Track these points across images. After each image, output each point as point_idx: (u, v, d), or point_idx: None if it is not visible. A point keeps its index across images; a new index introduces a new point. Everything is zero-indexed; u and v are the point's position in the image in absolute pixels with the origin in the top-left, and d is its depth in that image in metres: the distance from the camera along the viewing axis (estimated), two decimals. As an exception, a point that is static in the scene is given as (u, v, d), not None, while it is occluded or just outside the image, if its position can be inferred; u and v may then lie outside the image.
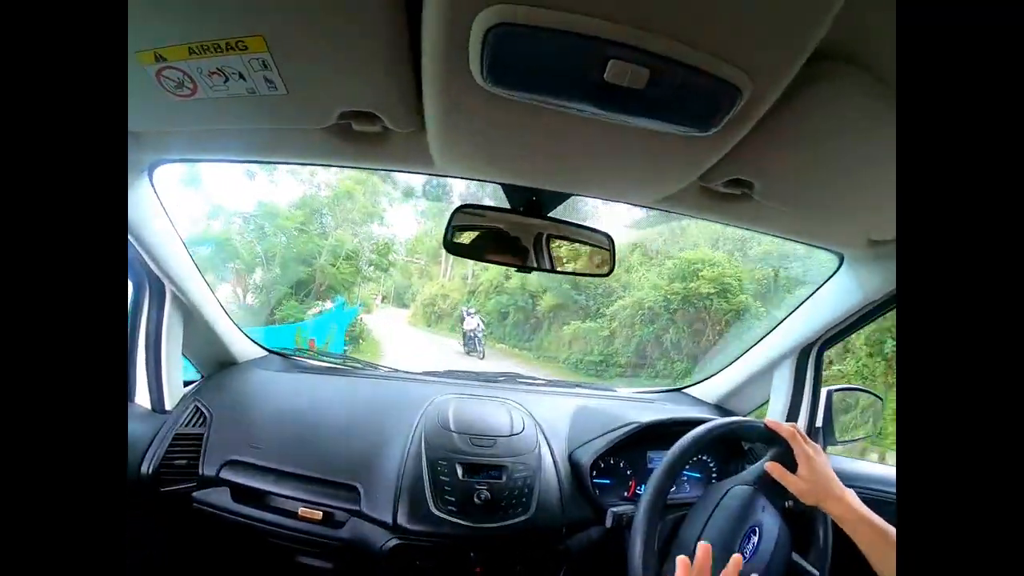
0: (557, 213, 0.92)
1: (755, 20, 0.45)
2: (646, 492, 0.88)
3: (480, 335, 11.38)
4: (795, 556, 0.93)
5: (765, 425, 0.92)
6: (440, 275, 20.02)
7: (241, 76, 0.62)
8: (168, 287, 1.12)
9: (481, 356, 10.98)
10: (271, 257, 11.65)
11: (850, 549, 0.81)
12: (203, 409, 1.17)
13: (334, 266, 12.55)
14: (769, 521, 0.89)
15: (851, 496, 0.82)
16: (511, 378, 1.52)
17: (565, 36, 0.46)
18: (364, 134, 0.75)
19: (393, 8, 0.52)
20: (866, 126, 0.63)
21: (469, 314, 12.25)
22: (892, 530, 0.78)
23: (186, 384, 1.27)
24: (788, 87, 0.54)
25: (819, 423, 1.39)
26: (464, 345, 11.75)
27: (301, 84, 0.63)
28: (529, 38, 0.46)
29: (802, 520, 0.93)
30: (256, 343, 1.42)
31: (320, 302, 12.01)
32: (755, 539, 0.87)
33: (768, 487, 0.91)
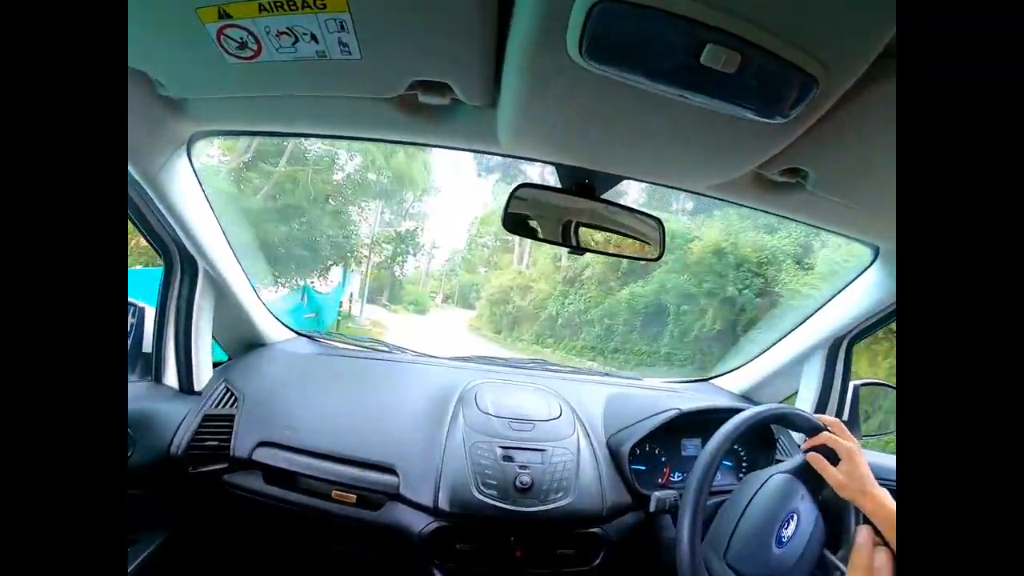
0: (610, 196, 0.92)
1: (835, 14, 0.47)
2: (694, 474, 0.88)
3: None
4: (825, 552, 0.93)
5: (808, 418, 0.92)
6: (514, 262, 16.75)
7: (313, 37, 0.59)
8: (201, 264, 1.10)
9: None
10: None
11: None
12: (233, 390, 1.16)
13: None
14: (806, 509, 0.89)
15: (885, 494, 0.83)
16: (540, 364, 1.52)
17: (667, 16, 0.47)
18: (430, 107, 0.73)
19: None
20: None
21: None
22: None
23: (214, 365, 1.25)
24: (856, 82, 0.56)
25: (846, 416, 1.40)
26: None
27: (378, 49, 0.61)
28: (632, 16, 0.47)
29: (834, 514, 0.93)
30: (285, 325, 1.40)
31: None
32: (793, 525, 0.87)
33: (807, 477, 0.91)
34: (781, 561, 0.84)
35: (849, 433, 0.91)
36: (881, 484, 1.23)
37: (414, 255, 19.76)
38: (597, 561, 1.04)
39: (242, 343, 1.32)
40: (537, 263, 14.35)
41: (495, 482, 0.99)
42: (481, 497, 0.97)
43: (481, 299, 16.71)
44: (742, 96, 0.56)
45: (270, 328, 1.35)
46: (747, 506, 0.91)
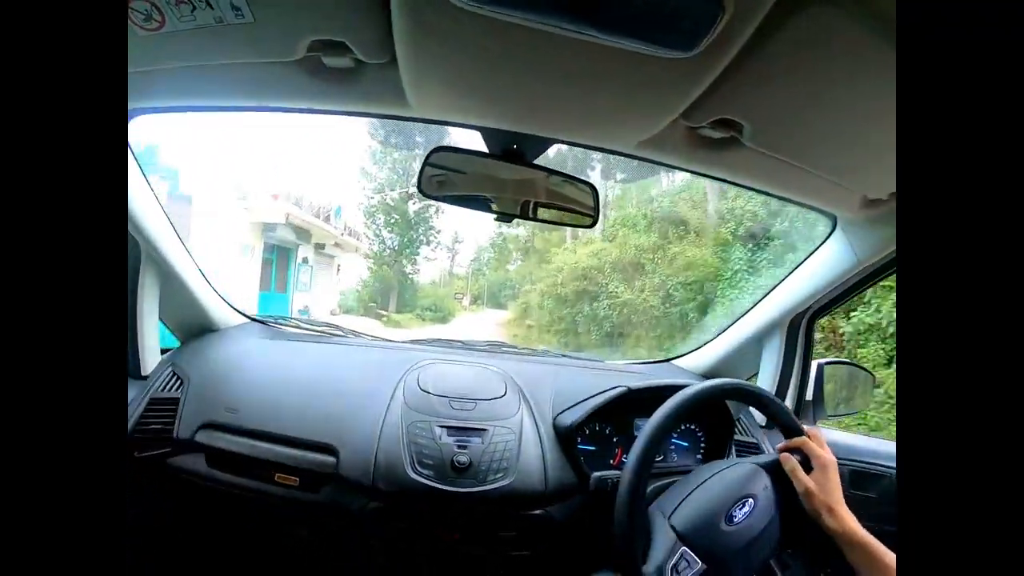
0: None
1: None
2: (634, 450, 0.85)
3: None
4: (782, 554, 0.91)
5: (792, 417, 0.90)
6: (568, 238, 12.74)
7: (208, 4, 0.60)
8: (142, 246, 1.08)
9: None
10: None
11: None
12: (179, 373, 1.14)
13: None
14: (765, 499, 0.86)
15: (852, 518, 0.81)
16: (496, 346, 1.50)
17: None
18: (336, 70, 0.73)
19: None
20: (861, 65, 0.60)
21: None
22: (891, 556, 0.75)
23: (164, 351, 1.23)
24: (775, 13, 0.52)
25: (809, 396, 1.38)
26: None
27: (269, 10, 0.62)
28: None
29: (792, 522, 0.89)
30: (236, 310, 1.38)
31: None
32: (747, 508, 0.85)
33: (776, 475, 0.88)
34: (728, 539, 0.81)
35: (827, 446, 0.88)
36: (845, 463, 1.22)
37: (428, 244, 18.32)
38: (541, 545, 1.02)
39: (192, 328, 1.30)
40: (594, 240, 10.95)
41: (431, 461, 0.96)
42: (416, 476, 0.95)
43: (531, 292, 13.66)
44: (635, 25, 0.52)
45: (221, 313, 1.33)
46: (706, 480, 0.89)
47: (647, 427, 0.88)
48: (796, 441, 0.89)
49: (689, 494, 0.88)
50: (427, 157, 0.83)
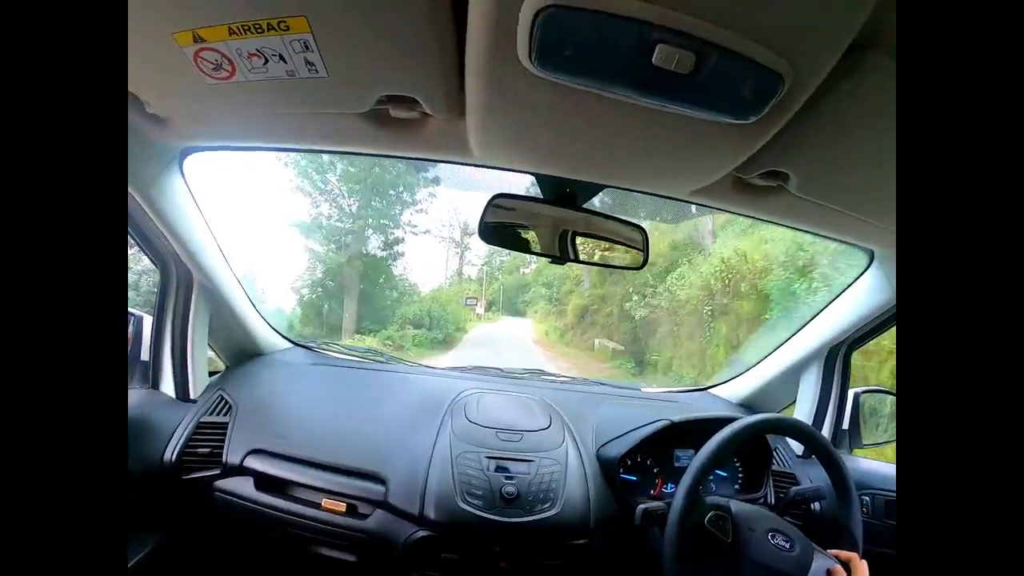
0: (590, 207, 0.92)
1: (797, 6, 0.46)
2: (683, 483, 0.88)
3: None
4: None
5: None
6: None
7: (281, 58, 0.61)
8: (196, 276, 1.13)
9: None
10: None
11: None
12: (228, 398, 1.17)
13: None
14: (802, 550, 0.87)
15: None
16: (535, 374, 1.51)
17: (614, 19, 0.46)
18: (402, 120, 0.75)
19: None
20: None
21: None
22: None
23: (211, 375, 1.27)
24: (828, 77, 0.54)
25: (845, 425, 1.37)
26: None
27: (343, 67, 0.63)
28: (578, 21, 0.47)
29: None
30: (282, 335, 1.42)
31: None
32: (784, 544, 0.87)
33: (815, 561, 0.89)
34: (761, 545, 0.86)
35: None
36: (881, 493, 1.21)
37: (406, 209, 12.07)
38: (585, 574, 1.03)
39: (239, 353, 1.34)
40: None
41: (480, 492, 0.98)
42: (466, 507, 0.96)
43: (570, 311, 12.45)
44: (703, 97, 0.55)
45: (266, 338, 1.37)
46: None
47: (696, 461, 0.90)
48: (847, 555, 0.89)
49: (752, 506, 0.94)
50: (489, 202, 0.86)
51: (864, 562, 0.89)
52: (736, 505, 0.92)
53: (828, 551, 0.90)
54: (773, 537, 0.87)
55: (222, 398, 1.18)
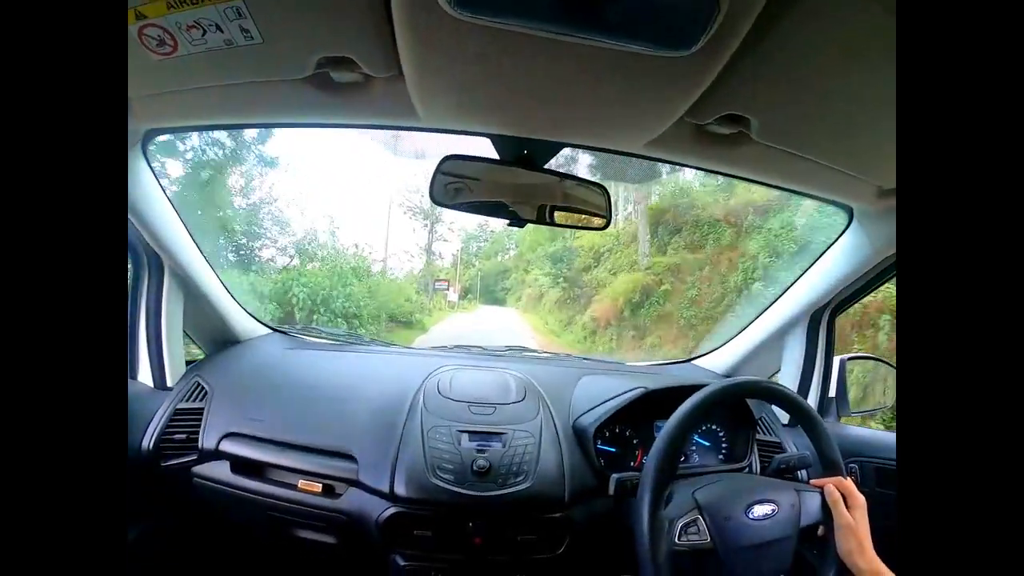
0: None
1: None
2: (653, 450, 0.86)
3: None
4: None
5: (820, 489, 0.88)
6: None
7: (218, 28, 0.63)
8: (166, 262, 1.12)
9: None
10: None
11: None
12: (203, 384, 1.17)
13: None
14: (788, 513, 0.85)
15: (878, 559, 0.80)
16: (517, 351, 1.50)
17: None
18: (345, 84, 0.74)
19: None
20: (864, 47, 0.59)
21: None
22: None
23: (189, 363, 1.26)
24: (771, 5, 0.52)
25: (832, 393, 1.35)
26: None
27: (277, 31, 0.64)
28: None
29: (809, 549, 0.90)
30: (260, 321, 1.41)
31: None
32: (768, 511, 0.84)
33: (805, 501, 0.87)
34: (741, 529, 0.81)
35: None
36: (870, 461, 1.19)
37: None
38: (562, 548, 1.02)
39: (216, 341, 1.33)
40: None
41: (451, 466, 0.97)
42: (436, 481, 0.95)
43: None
44: (632, 26, 0.53)
45: (243, 324, 1.36)
46: (738, 475, 0.96)
47: (666, 428, 0.88)
48: (835, 480, 0.88)
49: (718, 481, 0.89)
50: (439, 165, 0.84)
51: (849, 480, 0.88)
52: (703, 493, 0.86)
53: (811, 482, 0.88)
54: (752, 512, 0.83)
55: (198, 384, 1.17)
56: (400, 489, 0.96)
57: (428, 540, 0.98)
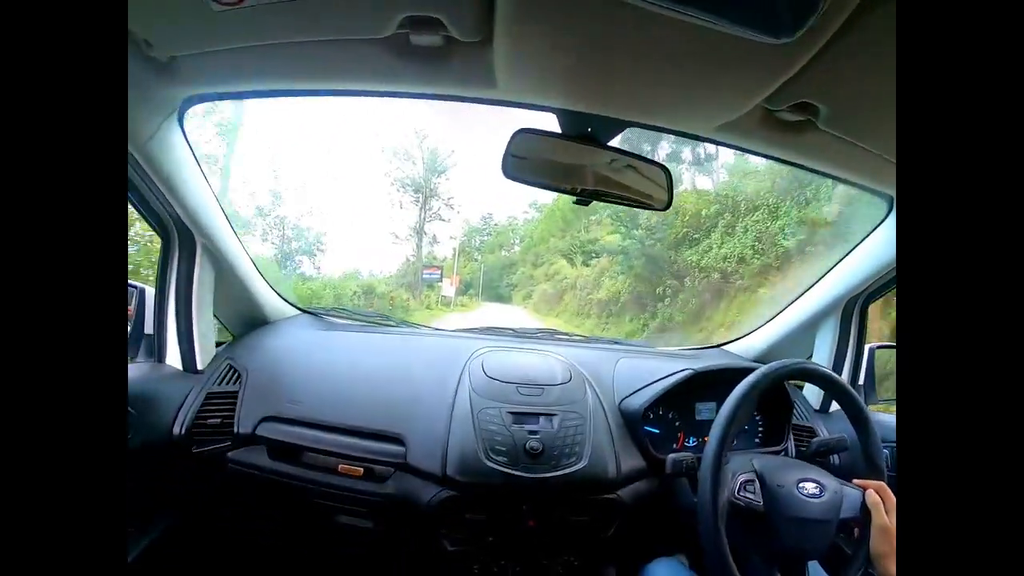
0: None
1: None
2: (715, 429, 0.86)
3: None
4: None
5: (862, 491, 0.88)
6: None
7: None
8: (199, 240, 1.08)
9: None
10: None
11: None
12: (236, 367, 1.14)
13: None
14: (831, 500, 0.85)
15: None
16: (549, 334, 1.49)
17: None
18: (421, 48, 0.70)
19: None
20: None
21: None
22: None
23: (217, 345, 1.23)
24: (861, 2, 0.52)
25: (861, 381, 1.37)
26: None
27: None
28: None
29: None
30: (289, 302, 1.38)
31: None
32: (816, 491, 0.85)
33: (847, 499, 0.88)
34: (791, 501, 0.84)
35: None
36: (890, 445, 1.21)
37: None
38: (612, 530, 1.02)
39: (246, 322, 1.30)
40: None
41: (504, 448, 0.96)
42: (490, 464, 0.94)
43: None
44: (737, 10, 0.52)
45: (274, 305, 1.33)
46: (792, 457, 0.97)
47: (725, 407, 0.88)
48: (876, 484, 0.88)
49: (776, 457, 0.95)
50: (511, 140, 0.83)
51: (888, 488, 0.88)
52: (760, 461, 0.90)
53: (854, 481, 0.89)
54: (802, 487, 0.85)
55: (231, 367, 1.14)
56: (453, 472, 0.95)
57: (479, 523, 0.97)
